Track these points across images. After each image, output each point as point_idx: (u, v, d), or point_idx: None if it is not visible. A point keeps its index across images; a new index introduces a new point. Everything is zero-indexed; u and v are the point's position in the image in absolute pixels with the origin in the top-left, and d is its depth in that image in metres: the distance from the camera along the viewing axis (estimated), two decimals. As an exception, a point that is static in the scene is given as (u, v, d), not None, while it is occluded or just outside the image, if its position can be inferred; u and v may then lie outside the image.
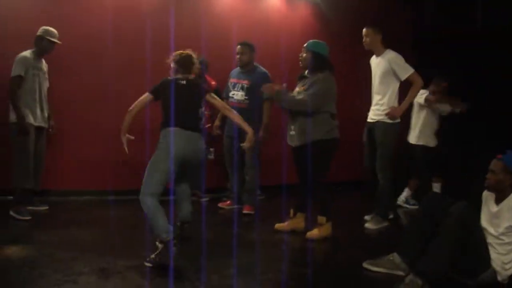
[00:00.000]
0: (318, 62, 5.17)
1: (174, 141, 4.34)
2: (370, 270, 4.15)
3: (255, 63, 6.31)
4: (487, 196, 3.97)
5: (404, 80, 5.66)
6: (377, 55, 5.85)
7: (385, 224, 5.77)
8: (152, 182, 4.35)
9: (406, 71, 5.61)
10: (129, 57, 6.82)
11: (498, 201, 3.85)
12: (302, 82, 5.27)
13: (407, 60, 5.73)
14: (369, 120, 5.91)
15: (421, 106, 6.83)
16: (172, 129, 4.38)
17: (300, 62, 5.34)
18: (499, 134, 6.26)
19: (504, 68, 6.74)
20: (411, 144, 6.98)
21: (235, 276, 4.00)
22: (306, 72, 5.33)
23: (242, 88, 6.15)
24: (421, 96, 6.59)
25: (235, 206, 6.44)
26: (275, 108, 6.32)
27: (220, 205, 6.54)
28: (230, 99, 6.23)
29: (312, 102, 5.02)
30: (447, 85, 6.80)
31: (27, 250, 4.49)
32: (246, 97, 6.14)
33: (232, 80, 6.30)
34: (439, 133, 6.97)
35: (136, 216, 5.90)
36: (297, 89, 5.31)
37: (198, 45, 6.82)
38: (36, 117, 5.79)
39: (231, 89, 6.25)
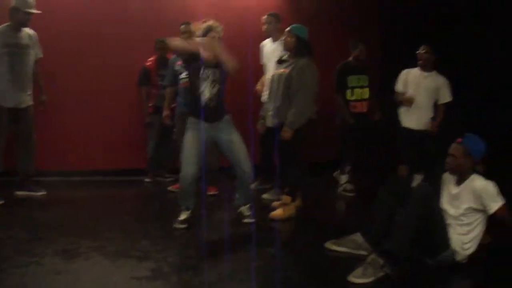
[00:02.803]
0: (302, 47, 5.21)
1: None
2: (333, 250, 4.20)
3: None
4: (447, 178, 4.04)
5: None
6: (274, 41, 6.10)
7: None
8: None
9: None
10: (122, 35, 6.94)
11: (459, 183, 3.92)
12: (284, 65, 5.29)
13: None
14: None
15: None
16: None
17: (283, 45, 5.35)
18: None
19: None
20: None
21: (199, 256, 4.03)
22: (286, 55, 5.37)
23: None
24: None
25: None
26: (237, 93, 6.37)
27: (170, 188, 6.33)
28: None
29: (304, 100, 5.10)
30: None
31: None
32: None
33: (180, 62, 6.00)
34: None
35: (106, 197, 5.94)
36: (276, 71, 5.37)
37: (163, 25, 6.86)
38: (9, 99, 5.44)
39: (182, 70, 5.96)
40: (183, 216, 4.83)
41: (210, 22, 4.74)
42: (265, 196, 6.19)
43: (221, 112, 4.83)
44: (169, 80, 6.21)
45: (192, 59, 4.66)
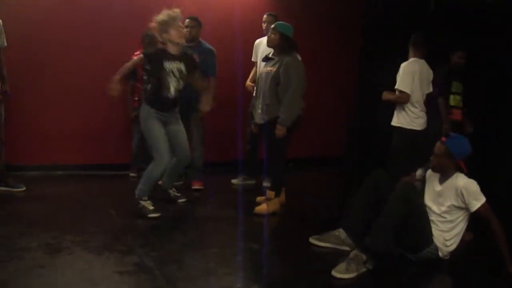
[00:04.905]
0: (286, 44, 5.22)
1: None
2: (316, 245, 4.23)
3: (200, 39, 6.17)
4: (431, 175, 4.08)
5: None
6: None
7: None
8: None
9: None
10: (107, 28, 6.84)
11: (442, 181, 3.96)
12: (270, 63, 5.30)
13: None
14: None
15: None
16: None
17: (267, 42, 5.37)
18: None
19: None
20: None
21: (183, 250, 4.04)
22: (271, 53, 5.38)
23: None
24: None
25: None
26: (224, 86, 6.37)
27: None
28: None
29: (294, 97, 5.10)
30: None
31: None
32: None
33: None
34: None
35: (89, 192, 5.90)
36: (263, 69, 5.39)
37: (147, 18, 6.81)
38: None
39: None
40: (151, 206, 4.90)
41: (166, 14, 4.86)
42: (234, 181, 6.54)
43: (177, 103, 5.09)
44: None
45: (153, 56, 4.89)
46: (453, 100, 6.15)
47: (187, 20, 5.98)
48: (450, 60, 6.22)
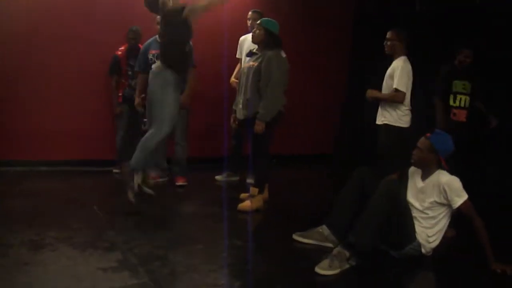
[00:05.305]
0: (270, 40, 5.23)
1: None
2: (299, 242, 4.25)
3: None
4: (414, 172, 4.11)
5: None
6: None
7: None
8: None
9: None
10: (92, 24, 6.82)
11: (424, 177, 4.00)
12: (253, 58, 5.33)
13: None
14: None
15: None
16: None
17: (252, 38, 5.39)
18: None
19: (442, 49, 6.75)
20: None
21: (167, 247, 4.03)
22: (255, 49, 5.41)
23: None
24: None
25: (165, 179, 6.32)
26: (209, 82, 6.36)
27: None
28: None
29: (275, 92, 5.12)
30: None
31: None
32: None
33: (153, 52, 6.03)
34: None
35: (74, 188, 5.87)
36: (246, 64, 5.44)
37: (132, 13, 6.78)
38: None
39: (155, 60, 5.80)
40: (135, 189, 4.77)
41: None
42: (218, 178, 6.54)
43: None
44: (141, 66, 6.08)
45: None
46: (455, 100, 6.02)
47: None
48: (455, 58, 6.07)
